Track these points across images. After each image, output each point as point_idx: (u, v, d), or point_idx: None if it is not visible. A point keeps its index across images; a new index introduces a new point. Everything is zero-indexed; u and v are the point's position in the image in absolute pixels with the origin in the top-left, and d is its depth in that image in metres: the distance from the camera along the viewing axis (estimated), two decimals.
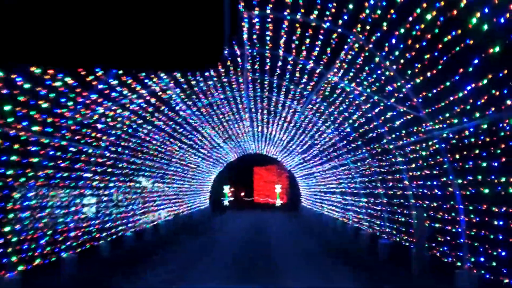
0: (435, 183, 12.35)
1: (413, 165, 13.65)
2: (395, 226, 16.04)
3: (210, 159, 35.13)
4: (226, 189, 51.85)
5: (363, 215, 19.89)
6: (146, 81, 13.90)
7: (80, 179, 14.40)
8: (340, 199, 24.85)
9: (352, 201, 22.04)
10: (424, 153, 12.66)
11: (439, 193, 12.22)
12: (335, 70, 14.14)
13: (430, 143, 12.02)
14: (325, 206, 29.68)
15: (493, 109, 8.73)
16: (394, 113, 13.01)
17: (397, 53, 10.79)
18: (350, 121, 16.71)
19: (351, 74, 13.58)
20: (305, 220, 32.26)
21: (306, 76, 15.90)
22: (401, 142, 13.79)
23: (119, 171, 17.42)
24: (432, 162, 12.22)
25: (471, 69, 8.74)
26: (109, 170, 16.39)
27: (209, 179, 40.75)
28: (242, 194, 56.02)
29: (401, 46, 10.39)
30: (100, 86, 12.01)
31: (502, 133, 8.84)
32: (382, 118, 14.03)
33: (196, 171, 33.15)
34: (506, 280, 9.28)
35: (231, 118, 25.82)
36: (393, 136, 14.08)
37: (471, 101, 9.28)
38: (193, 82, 16.73)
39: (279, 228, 26.10)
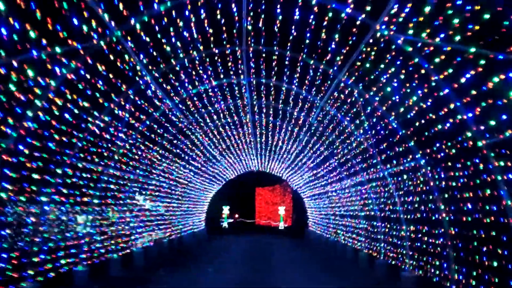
0: None
1: None
2: (474, 273, 9.74)
3: (205, 174, 28.89)
4: (225, 210, 45.45)
5: (406, 250, 13.58)
6: (75, 22, 7.86)
7: None
8: (365, 225, 18.53)
9: (386, 229, 15.73)
10: None
11: None
12: (393, 12, 8.12)
13: None
14: (341, 232, 23.30)
15: None
16: (507, 77, 6.91)
17: None
18: (401, 109, 10.59)
19: (426, 12, 7.54)
20: (315, 249, 25.74)
21: (337, 37, 9.88)
22: (507, 134, 7.65)
23: (58, 179, 11.26)
24: None
25: None
26: (36, 176, 10.24)
27: (205, 198, 34.39)
28: (242, 215, 49.60)
29: None
30: None
31: None
32: (473, 92, 7.93)
33: (188, 188, 26.87)
34: None
35: (228, 121, 19.78)
36: (491, 123, 7.95)
37: None
38: (167, 48, 10.70)
39: (286, 262, 19.68)
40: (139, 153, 16.23)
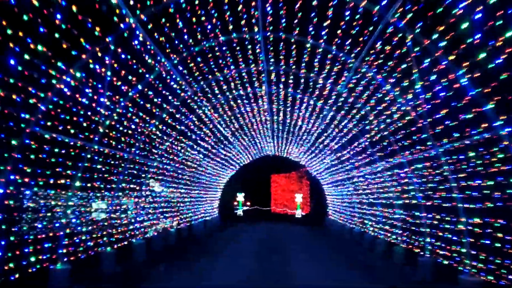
0: None
1: None
2: None
3: (217, 157, 25.92)
4: (240, 197, 42.61)
5: (467, 247, 10.38)
6: None
7: None
8: (402, 215, 15.33)
9: (434, 221, 12.51)
10: None
11: None
12: None
13: None
14: (369, 223, 20.14)
15: None
16: None
17: None
18: (481, 55, 7.33)
19: None
20: (339, 240, 22.62)
21: None
22: None
23: (16, 154, 8.39)
24: None
25: None
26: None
27: (217, 184, 31.51)
28: (257, 203, 46.73)
29: None
30: None
31: None
32: None
33: (197, 172, 23.96)
34: None
35: (241, 93, 16.69)
36: None
37: None
38: None
39: (306, 256, 16.67)
40: (133, 127, 13.29)
